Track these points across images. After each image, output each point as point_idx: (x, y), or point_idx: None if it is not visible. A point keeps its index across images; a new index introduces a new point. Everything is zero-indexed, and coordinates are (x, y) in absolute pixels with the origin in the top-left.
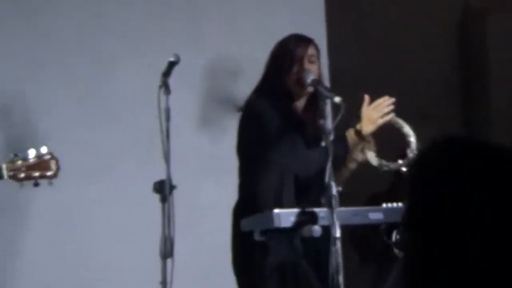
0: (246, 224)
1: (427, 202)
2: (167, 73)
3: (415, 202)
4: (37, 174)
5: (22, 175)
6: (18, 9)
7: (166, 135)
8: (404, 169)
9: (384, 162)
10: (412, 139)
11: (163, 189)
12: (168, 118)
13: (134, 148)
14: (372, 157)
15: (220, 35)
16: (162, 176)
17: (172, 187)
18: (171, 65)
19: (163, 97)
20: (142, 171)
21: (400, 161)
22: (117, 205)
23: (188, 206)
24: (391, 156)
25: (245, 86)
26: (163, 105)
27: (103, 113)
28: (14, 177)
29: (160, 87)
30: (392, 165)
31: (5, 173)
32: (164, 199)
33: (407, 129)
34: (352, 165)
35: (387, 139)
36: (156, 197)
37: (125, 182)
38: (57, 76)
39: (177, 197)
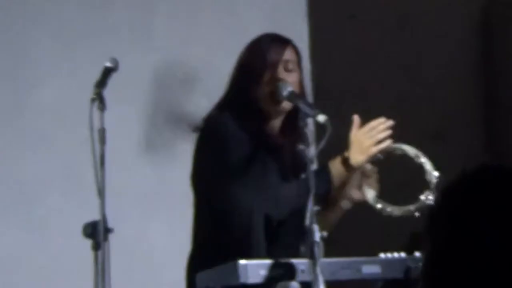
0: (203, 279)
1: (454, 243)
2: (101, 83)
3: (439, 245)
4: None
5: None
6: None
7: (101, 163)
8: (416, 213)
9: (388, 206)
10: (432, 176)
11: (96, 233)
12: (103, 141)
13: (59, 179)
14: (371, 198)
15: (173, 34)
16: (95, 215)
17: (108, 231)
18: (107, 72)
19: (97, 114)
20: (70, 209)
21: (411, 207)
22: (37, 252)
23: (129, 254)
24: (400, 196)
25: (203, 100)
26: (96, 124)
27: (21, 132)
28: None
29: (93, 100)
30: (399, 211)
31: None
32: (98, 246)
33: (423, 160)
34: (345, 205)
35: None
36: (88, 243)
37: (48, 222)
38: None
39: (114, 243)
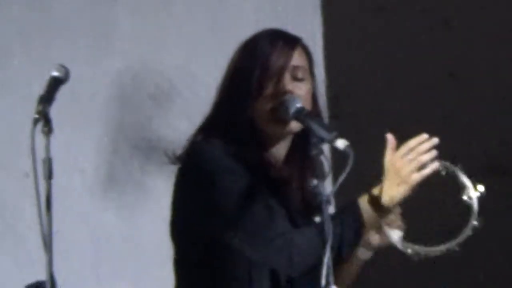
0: None
1: None
2: (47, 98)
3: None
4: None
5: None
6: None
7: (46, 204)
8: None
9: (417, 247)
10: (473, 222)
11: None
12: (49, 175)
13: None
14: (398, 240)
15: (139, 33)
16: (39, 275)
17: None
18: (54, 83)
19: (40, 139)
20: (6, 267)
21: (446, 245)
22: None
23: None
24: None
25: (182, 120)
26: (39, 153)
27: None
28: None
29: (36, 121)
30: (432, 251)
31: None
32: None
33: (465, 180)
34: (363, 255)
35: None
36: None
37: None
38: None
39: None
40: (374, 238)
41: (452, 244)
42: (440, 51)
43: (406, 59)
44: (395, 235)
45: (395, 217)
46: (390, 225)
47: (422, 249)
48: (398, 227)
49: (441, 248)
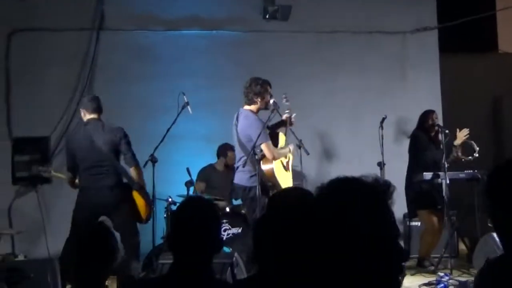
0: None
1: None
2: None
3: (492, 190)
4: None
5: None
6: None
7: None
8: (472, 158)
9: (465, 157)
10: (476, 148)
11: None
12: None
13: None
14: (459, 155)
15: None
16: None
17: None
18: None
19: None
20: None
21: (470, 157)
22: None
23: None
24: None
25: None
26: None
27: None
28: None
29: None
30: (468, 158)
31: None
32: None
33: (474, 145)
34: (454, 155)
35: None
36: None
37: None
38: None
39: None
40: (459, 154)
41: (473, 157)
42: None
43: None
44: (459, 154)
45: (460, 149)
46: (459, 150)
47: (466, 158)
48: (460, 151)
49: (471, 157)
